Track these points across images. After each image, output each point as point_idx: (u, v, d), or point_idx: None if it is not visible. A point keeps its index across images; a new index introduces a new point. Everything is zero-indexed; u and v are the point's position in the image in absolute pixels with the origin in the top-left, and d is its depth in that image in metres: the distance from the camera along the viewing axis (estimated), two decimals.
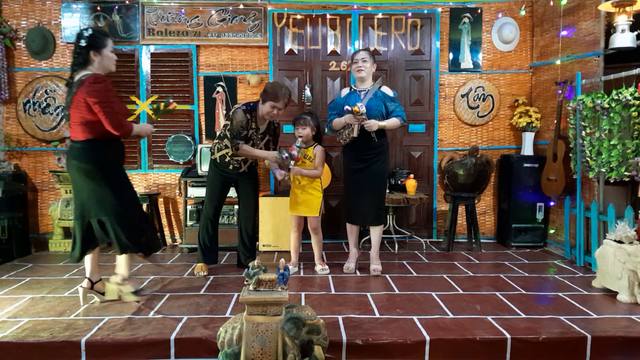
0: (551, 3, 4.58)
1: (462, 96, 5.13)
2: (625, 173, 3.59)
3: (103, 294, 3.16)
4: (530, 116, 4.82)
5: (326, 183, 4.01)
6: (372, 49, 4.95)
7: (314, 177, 3.83)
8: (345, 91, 3.93)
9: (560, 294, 3.33)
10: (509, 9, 5.05)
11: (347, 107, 3.64)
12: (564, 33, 4.52)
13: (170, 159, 5.01)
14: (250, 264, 2.38)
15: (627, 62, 3.84)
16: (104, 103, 2.85)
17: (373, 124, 3.61)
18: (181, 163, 5.03)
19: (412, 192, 4.58)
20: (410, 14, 5.03)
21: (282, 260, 2.35)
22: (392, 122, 3.73)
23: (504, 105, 5.17)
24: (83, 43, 2.95)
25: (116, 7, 4.89)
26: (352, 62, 3.80)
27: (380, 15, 5.04)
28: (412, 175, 4.71)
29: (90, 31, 2.99)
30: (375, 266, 3.87)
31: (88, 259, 3.12)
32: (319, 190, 3.88)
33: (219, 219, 4.08)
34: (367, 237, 4.65)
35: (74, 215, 3.10)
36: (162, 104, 3.39)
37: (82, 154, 2.94)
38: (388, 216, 4.63)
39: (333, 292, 3.38)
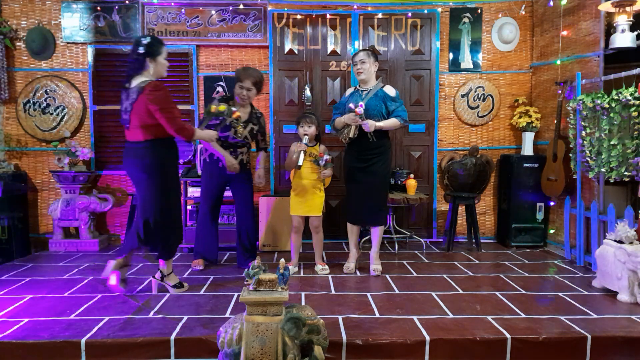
0: (551, 3, 4.58)
1: (462, 96, 5.13)
2: (625, 173, 3.59)
3: (174, 286, 3.34)
4: (530, 116, 4.82)
5: (327, 182, 4.02)
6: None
7: (330, 175, 3.89)
8: (350, 91, 3.95)
9: (560, 294, 3.34)
10: (509, 9, 5.05)
11: (350, 104, 3.65)
12: (564, 33, 4.52)
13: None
14: (250, 264, 2.38)
15: (627, 62, 3.84)
16: (166, 110, 3.02)
17: (370, 125, 3.61)
18: (181, 163, 5.03)
19: (412, 192, 4.58)
20: (410, 14, 5.03)
21: (282, 260, 2.35)
22: (390, 122, 3.71)
23: (504, 105, 5.17)
24: (141, 50, 3.09)
25: (116, 7, 4.89)
26: (353, 64, 3.81)
27: (380, 15, 5.04)
28: (412, 175, 4.71)
29: (148, 39, 3.13)
30: (376, 266, 3.87)
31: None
32: (322, 189, 3.90)
33: (218, 218, 4.10)
34: (367, 237, 4.65)
35: (139, 214, 3.21)
36: (213, 107, 3.43)
37: (141, 153, 3.11)
38: (388, 216, 4.63)
39: (333, 292, 3.38)
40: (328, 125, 4.23)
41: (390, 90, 3.79)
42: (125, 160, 3.19)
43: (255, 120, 3.95)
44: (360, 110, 3.59)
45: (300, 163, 3.68)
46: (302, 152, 3.70)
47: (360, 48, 4.97)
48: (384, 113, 3.73)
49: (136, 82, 3.08)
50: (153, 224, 3.17)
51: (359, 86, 3.86)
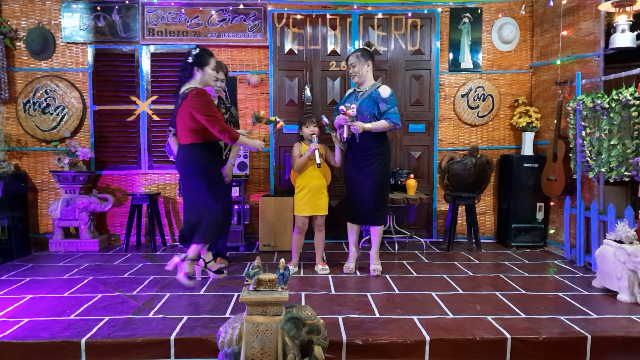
0: (551, 3, 4.58)
1: (462, 96, 5.13)
2: (625, 173, 3.59)
3: (216, 272, 3.69)
4: (530, 116, 4.82)
5: (328, 181, 4.05)
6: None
7: (337, 165, 3.97)
8: (348, 92, 3.97)
9: (560, 294, 3.34)
10: (509, 9, 5.05)
11: (342, 107, 3.66)
12: (564, 33, 4.52)
13: (170, 159, 4.98)
14: (250, 264, 2.38)
15: (627, 62, 3.84)
16: (207, 114, 3.25)
17: (358, 126, 3.60)
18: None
19: (412, 192, 4.58)
20: (410, 14, 5.03)
21: (282, 260, 2.35)
22: (379, 124, 3.66)
23: (504, 105, 5.17)
24: (190, 60, 3.35)
25: (116, 7, 4.89)
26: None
27: (380, 15, 5.04)
28: (412, 175, 4.71)
29: (197, 50, 3.37)
30: (376, 266, 3.87)
31: None
32: (326, 188, 3.94)
33: None
34: (367, 237, 4.65)
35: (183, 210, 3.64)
36: (263, 112, 3.65)
37: (184, 155, 3.39)
38: (388, 216, 4.62)
39: (333, 292, 3.38)
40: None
41: (384, 92, 3.72)
42: (176, 160, 3.54)
43: (225, 110, 3.85)
44: (352, 112, 3.60)
45: (318, 161, 3.70)
46: (317, 151, 3.71)
47: (355, 48, 4.98)
48: (375, 114, 3.70)
49: (183, 88, 3.35)
50: (192, 219, 3.41)
51: (358, 87, 3.86)
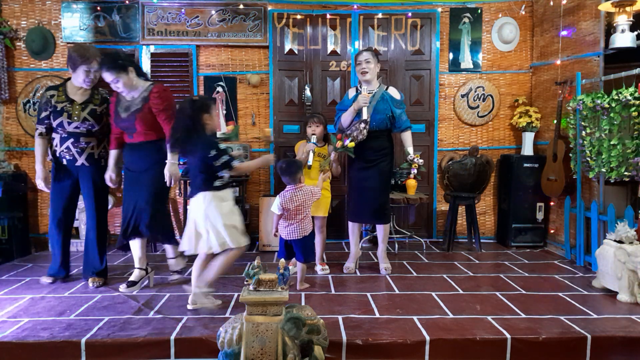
0: (551, 3, 4.58)
1: (462, 96, 5.13)
2: (625, 173, 3.59)
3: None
4: (530, 116, 4.82)
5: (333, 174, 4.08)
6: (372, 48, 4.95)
7: (337, 173, 3.98)
8: (352, 92, 3.90)
9: (560, 294, 3.33)
10: (509, 9, 5.05)
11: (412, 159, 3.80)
12: (564, 33, 4.52)
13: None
14: (250, 264, 2.38)
15: (627, 62, 3.84)
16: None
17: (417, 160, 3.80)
18: (181, 163, 5.01)
19: (412, 192, 4.58)
20: (410, 14, 5.03)
21: (282, 260, 2.35)
22: (409, 139, 3.88)
23: (504, 105, 5.17)
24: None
25: (116, 7, 4.89)
26: (356, 63, 3.78)
27: (380, 15, 5.04)
28: (412, 175, 4.70)
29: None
30: (386, 265, 3.88)
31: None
32: (329, 190, 3.93)
33: (71, 229, 3.74)
34: (366, 238, 4.66)
35: None
36: (349, 142, 3.67)
37: None
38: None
39: (333, 292, 3.38)
40: (330, 125, 4.20)
41: (395, 94, 3.83)
42: None
43: (99, 101, 3.45)
44: (419, 161, 3.80)
45: (310, 163, 3.68)
46: (311, 152, 3.70)
47: (362, 48, 4.97)
48: (389, 116, 3.77)
49: None
50: None
51: (360, 87, 3.83)
